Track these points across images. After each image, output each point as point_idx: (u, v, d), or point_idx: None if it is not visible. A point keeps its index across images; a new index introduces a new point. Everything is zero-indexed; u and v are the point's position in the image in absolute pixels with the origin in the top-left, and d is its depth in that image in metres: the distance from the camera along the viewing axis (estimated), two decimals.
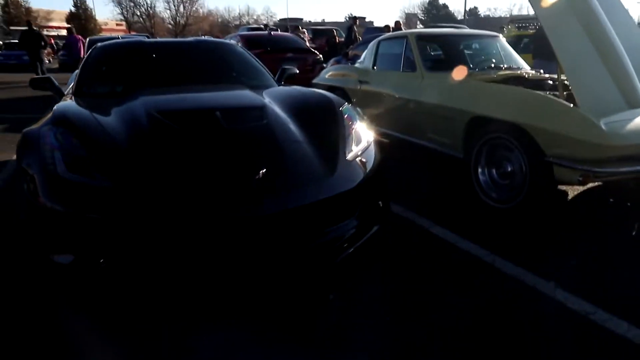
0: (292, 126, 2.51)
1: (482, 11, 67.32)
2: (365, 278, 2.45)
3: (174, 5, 58.85)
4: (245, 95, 3.01)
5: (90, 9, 47.26)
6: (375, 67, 4.86)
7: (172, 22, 58.57)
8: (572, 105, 2.90)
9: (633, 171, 2.77)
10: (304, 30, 13.33)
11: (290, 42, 9.35)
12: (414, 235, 2.94)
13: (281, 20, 65.96)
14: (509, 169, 3.16)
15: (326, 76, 5.71)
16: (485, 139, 3.27)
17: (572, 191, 3.65)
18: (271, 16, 72.84)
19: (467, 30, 4.99)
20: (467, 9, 57.84)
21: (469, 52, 4.56)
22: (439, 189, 3.82)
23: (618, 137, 2.66)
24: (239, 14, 72.13)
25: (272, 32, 9.93)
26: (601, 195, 3.67)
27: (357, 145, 2.50)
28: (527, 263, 2.51)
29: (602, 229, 3.05)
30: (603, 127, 2.63)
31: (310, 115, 2.66)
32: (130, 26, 57.07)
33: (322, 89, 5.71)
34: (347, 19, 11.89)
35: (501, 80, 3.91)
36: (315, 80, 5.93)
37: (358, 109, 2.89)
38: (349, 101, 5.12)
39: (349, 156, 2.38)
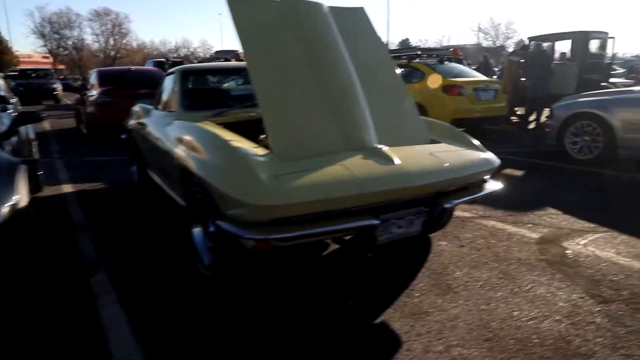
0: None
1: (414, 42, 69.02)
2: None
3: (103, 38, 57.28)
4: None
5: (6, 41, 44.50)
6: (158, 106, 4.33)
7: (101, 55, 56.86)
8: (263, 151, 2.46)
9: (318, 233, 2.29)
10: None
11: (149, 78, 8.86)
12: (76, 319, 2.35)
13: (217, 52, 65.38)
14: (211, 229, 2.66)
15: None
16: (189, 193, 2.77)
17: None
18: (208, 48, 72.45)
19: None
20: (400, 40, 59.97)
21: (241, 88, 4.11)
22: (167, 254, 3.22)
23: (286, 195, 2.11)
24: (175, 46, 71.21)
25: (131, 68, 9.59)
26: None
27: None
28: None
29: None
30: (267, 183, 2.15)
31: None
32: (56, 58, 54.84)
33: (127, 129, 5.18)
34: None
35: (253, 119, 3.39)
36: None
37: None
38: (136, 143, 4.58)
39: None
